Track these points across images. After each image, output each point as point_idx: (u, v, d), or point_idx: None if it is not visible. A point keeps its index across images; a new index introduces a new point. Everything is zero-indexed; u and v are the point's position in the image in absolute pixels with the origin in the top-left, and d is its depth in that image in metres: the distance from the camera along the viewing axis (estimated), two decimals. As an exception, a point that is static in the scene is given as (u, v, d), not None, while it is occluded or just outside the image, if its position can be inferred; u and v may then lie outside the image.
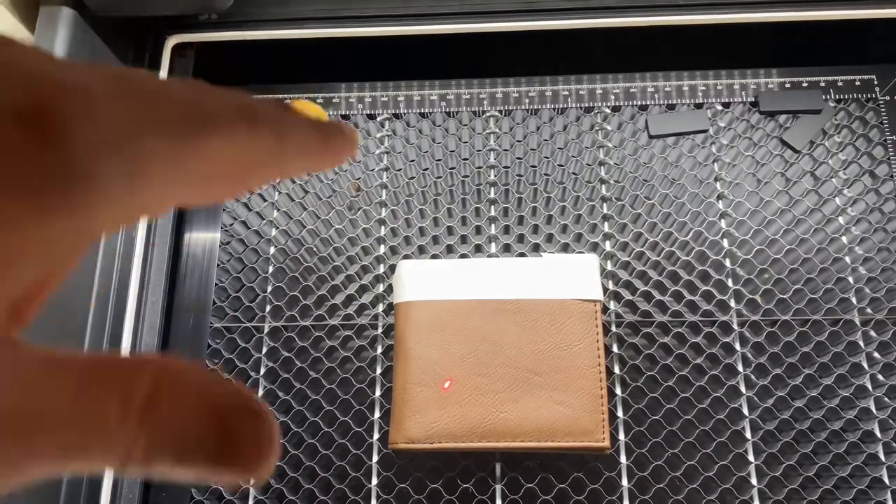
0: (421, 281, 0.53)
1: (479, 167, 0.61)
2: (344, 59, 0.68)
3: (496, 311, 0.52)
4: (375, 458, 0.54)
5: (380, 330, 0.57)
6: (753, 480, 0.52)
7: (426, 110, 0.63)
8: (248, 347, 0.57)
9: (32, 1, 0.56)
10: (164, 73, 0.60)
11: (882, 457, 0.52)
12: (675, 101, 0.62)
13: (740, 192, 0.59)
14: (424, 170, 0.61)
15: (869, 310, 0.55)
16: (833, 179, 0.59)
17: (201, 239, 0.60)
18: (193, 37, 0.60)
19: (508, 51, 0.65)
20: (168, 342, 0.57)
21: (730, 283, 0.57)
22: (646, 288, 0.57)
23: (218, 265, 0.59)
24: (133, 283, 0.54)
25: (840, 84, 0.61)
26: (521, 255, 0.58)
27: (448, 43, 0.61)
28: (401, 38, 0.60)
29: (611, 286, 0.57)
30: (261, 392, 0.56)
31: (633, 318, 0.56)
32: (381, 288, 0.58)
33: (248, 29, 0.60)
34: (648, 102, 0.62)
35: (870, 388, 0.54)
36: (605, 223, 0.59)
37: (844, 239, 0.57)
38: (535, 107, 0.62)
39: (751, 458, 0.53)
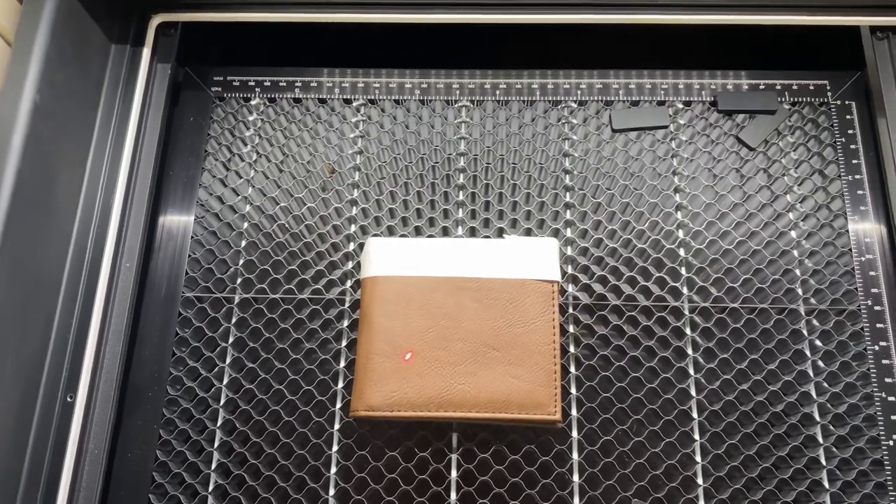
0: (388, 257, 0.56)
1: (450, 154, 0.64)
2: (324, 44, 0.70)
3: (458, 288, 0.55)
4: (337, 426, 0.56)
5: (347, 305, 0.59)
6: (698, 457, 0.55)
7: (401, 97, 0.65)
8: (218, 317, 0.59)
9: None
10: (147, 52, 0.62)
11: (820, 438, 0.55)
12: (638, 98, 0.65)
13: (696, 186, 0.62)
14: (396, 155, 0.64)
15: (813, 300, 0.58)
16: (785, 177, 0.62)
17: (177, 212, 0.62)
18: (178, 16, 0.63)
19: (481, 43, 0.68)
20: (140, 310, 0.59)
21: (683, 271, 0.59)
22: (602, 273, 0.59)
23: (192, 238, 0.61)
24: (108, 249, 0.56)
25: (795, 87, 0.65)
26: (486, 238, 0.61)
27: (423, 33, 0.64)
28: (380, 26, 0.63)
29: (569, 270, 0.59)
30: (228, 360, 0.58)
31: (589, 300, 0.59)
32: (350, 265, 0.60)
33: (231, 10, 0.62)
34: (613, 98, 0.65)
35: (811, 373, 0.56)
36: (567, 211, 0.62)
37: (793, 233, 0.60)
38: (505, 98, 0.65)
39: (696, 436, 0.55)
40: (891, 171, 0.60)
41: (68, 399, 0.52)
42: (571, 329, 0.58)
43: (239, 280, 0.60)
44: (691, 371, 0.57)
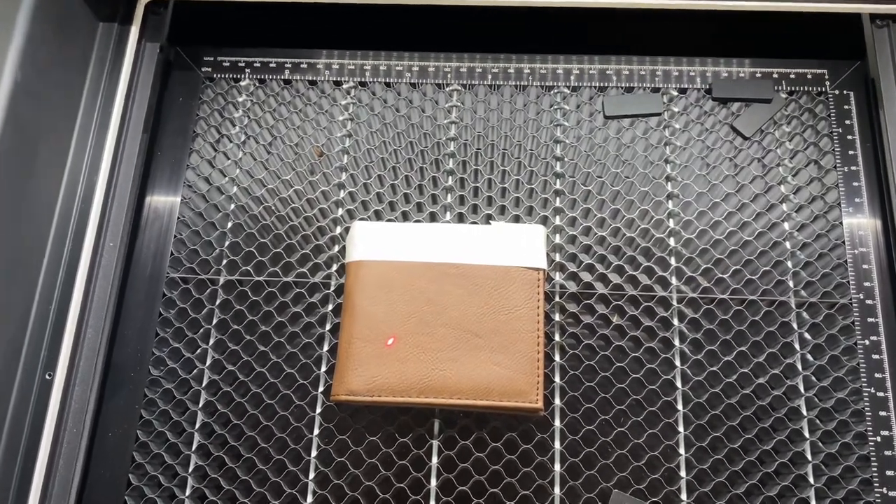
0: (372, 241, 0.55)
1: (439, 139, 0.63)
2: (315, 24, 0.69)
3: (442, 274, 0.54)
4: (318, 409, 0.56)
5: (332, 289, 0.58)
6: (681, 449, 0.54)
7: (392, 80, 0.64)
8: (202, 298, 0.59)
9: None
10: (135, 30, 0.61)
11: (806, 433, 0.54)
12: (633, 85, 0.64)
13: (689, 175, 0.61)
14: (385, 139, 0.63)
15: (804, 293, 0.57)
16: (779, 167, 0.61)
17: (163, 192, 0.61)
18: (167, -5, 0.62)
19: (474, 25, 0.67)
20: (125, 290, 0.58)
21: (672, 261, 0.58)
22: (590, 261, 0.58)
23: (178, 218, 0.61)
24: (90, 229, 0.56)
25: (792, 76, 0.63)
26: (473, 224, 0.60)
27: (415, 14, 0.63)
28: (371, 7, 0.62)
29: (557, 258, 0.59)
30: (211, 341, 0.57)
31: (576, 289, 0.58)
32: (336, 249, 0.60)
33: (220, -10, 0.62)
34: (607, 84, 0.64)
35: (799, 367, 0.55)
36: (557, 198, 0.61)
37: (786, 225, 0.59)
38: (498, 83, 0.64)
39: (680, 428, 0.54)
40: (889, 162, 0.58)
41: (47, 377, 0.52)
42: (557, 317, 0.57)
43: (224, 262, 0.60)
44: (677, 362, 0.56)
